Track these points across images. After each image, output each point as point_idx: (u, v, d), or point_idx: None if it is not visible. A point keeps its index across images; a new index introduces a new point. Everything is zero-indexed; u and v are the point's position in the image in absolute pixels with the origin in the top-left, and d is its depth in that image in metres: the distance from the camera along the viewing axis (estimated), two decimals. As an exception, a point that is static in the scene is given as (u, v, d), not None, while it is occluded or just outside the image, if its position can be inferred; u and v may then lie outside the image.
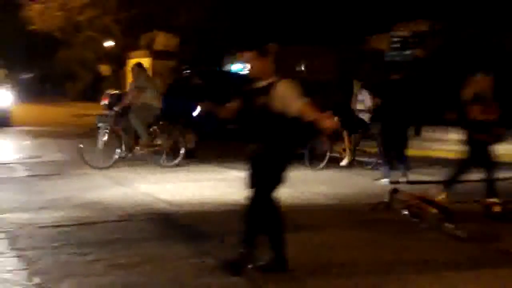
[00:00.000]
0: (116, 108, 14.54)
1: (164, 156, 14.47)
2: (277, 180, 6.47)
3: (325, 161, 14.73)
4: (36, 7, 38.42)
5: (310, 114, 6.25)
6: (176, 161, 14.49)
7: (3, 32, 51.70)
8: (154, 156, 14.42)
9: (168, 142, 14.59)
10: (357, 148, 15.50)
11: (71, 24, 39.72)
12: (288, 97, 6.32)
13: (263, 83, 6.48)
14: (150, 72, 38.21)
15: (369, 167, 14.86)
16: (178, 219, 9.27)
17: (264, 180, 6.47)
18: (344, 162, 15.23)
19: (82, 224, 8.61)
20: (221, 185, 12.29)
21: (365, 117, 15.40)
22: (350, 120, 15.21)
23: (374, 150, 14.79)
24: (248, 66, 6.60)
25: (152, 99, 14.30)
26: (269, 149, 6.44)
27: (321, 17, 38.36)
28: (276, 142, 6.44)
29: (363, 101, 15.38)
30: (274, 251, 6.62)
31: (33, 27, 39.75)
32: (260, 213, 6.52)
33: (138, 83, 14.42)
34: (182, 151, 14.56)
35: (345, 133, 15.18)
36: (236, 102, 6.79)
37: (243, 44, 6.50)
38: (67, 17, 38.94)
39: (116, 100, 17.96)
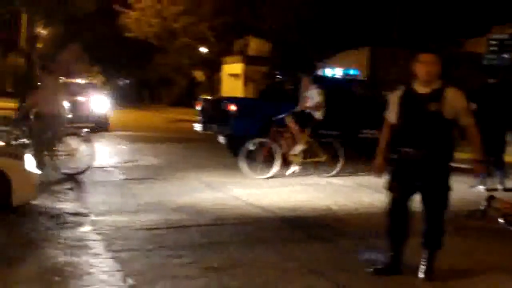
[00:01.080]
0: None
1: (66, 163, 13.47)
2: (448, 186, 6.63)
3: None
4: (133, 14, 39.42)
5: (475, 138, 6.56)
6: (77, 168, 13.33)
7: (102, 40, 53.41)
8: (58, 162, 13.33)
9: (69, 148, 13.58)
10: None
11: (166, 31, 40.56)
12: (461, 108, 6.48)
13: (429, 89, 6.51)
14: (242, 78, 38.83)
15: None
16: (269, 224, 9.30)
17: (438, 188, 6.60)
18: (292, 169, 14.41)
19: (176, 227, 8.77)
20: (311, 190, 12.29)
21: (316, 115, 14.31)
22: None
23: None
24: (424, 69, 6.54)
25: (56, 105, 13.25)
26: (439, 156, 6.50)
27: (416, 20, 37.74)
28: (446, 148, 6.54)
29: (313, 98, 14.41)
30: (393, 254, 6.78)
31: (130, 34, 40.81)
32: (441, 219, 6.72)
33: (43, 87, 13.50)
34: (86, 161, 13.50)
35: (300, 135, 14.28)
36: (395, 108, 6.76)
37: (423, 47, 6.55)
38: (162, 24, 39.79)
39: (209, 105, 18.13)
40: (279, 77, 22.52)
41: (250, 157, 14.10)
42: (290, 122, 14.24)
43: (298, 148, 14.18)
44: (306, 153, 14.36)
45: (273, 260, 7.26)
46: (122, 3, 39.45)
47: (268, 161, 14.14)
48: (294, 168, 14.26)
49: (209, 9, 37.99)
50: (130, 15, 39.68)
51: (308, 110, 14.31)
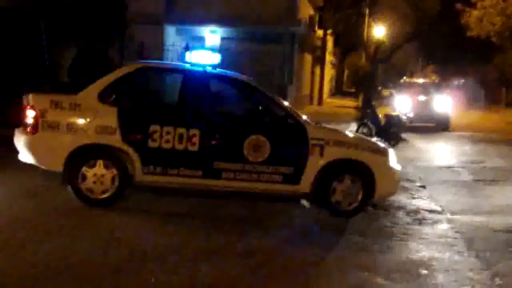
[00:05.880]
0: None
1: None
2: None
3: None
4: (475, 13, 38.55)
5: None
6: None
7: (440, 39, 53.18)
8: None
9: None
10: None
11: (509, 29, 38.96)
12: None
13: None
14: None
15: None
16: None
17: None
18: None
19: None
20: None
21: None
22: None
23: None
24: None
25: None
26: None
27: None
28: None
29: None
30: None
31: (471, 33, 39.99)
32: None
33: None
34: None
35: None
36: None
37: None
38: (505, 22, 38.27)
39: None
40: None
41: None
42: None
43: None
44: None
45: None
46: (465, 2, 38.80)
47: None
48: None
49: None
50: (472, 14, 38.88)
51: None
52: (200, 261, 6.41)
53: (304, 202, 9.21)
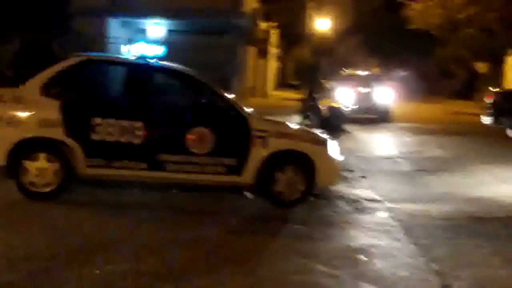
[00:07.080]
0: None
1: None
2: None
3: None
4: (417, 6, 39.19)
5: None
6: None
7: (382, 32, 53.91)
8: None
9: None
10: None
11: (449, 22, 39.70)
12: None
13: None
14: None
15: None
16: None
17: None
18: None
19: (473, 218, 8.87)
20: None
21: None
22: None
23: None
24: None
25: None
26: None
27: None
28: None
29: None
30: None
31: (413, 26, 40.64)
32: None
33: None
34: None
35: None
36: None
37: None
38: (446, 15, 38.98)
39: (501, 98, 17.64)
40: None
41: None
42: None
43: None
44: None
45: None
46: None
47: None
48: None
49: (501, -2, 36.15)
50: (414, 7, 39.51)
51: None
52: (146, 252, 6.48)
53: (247, 193, 9.37)
